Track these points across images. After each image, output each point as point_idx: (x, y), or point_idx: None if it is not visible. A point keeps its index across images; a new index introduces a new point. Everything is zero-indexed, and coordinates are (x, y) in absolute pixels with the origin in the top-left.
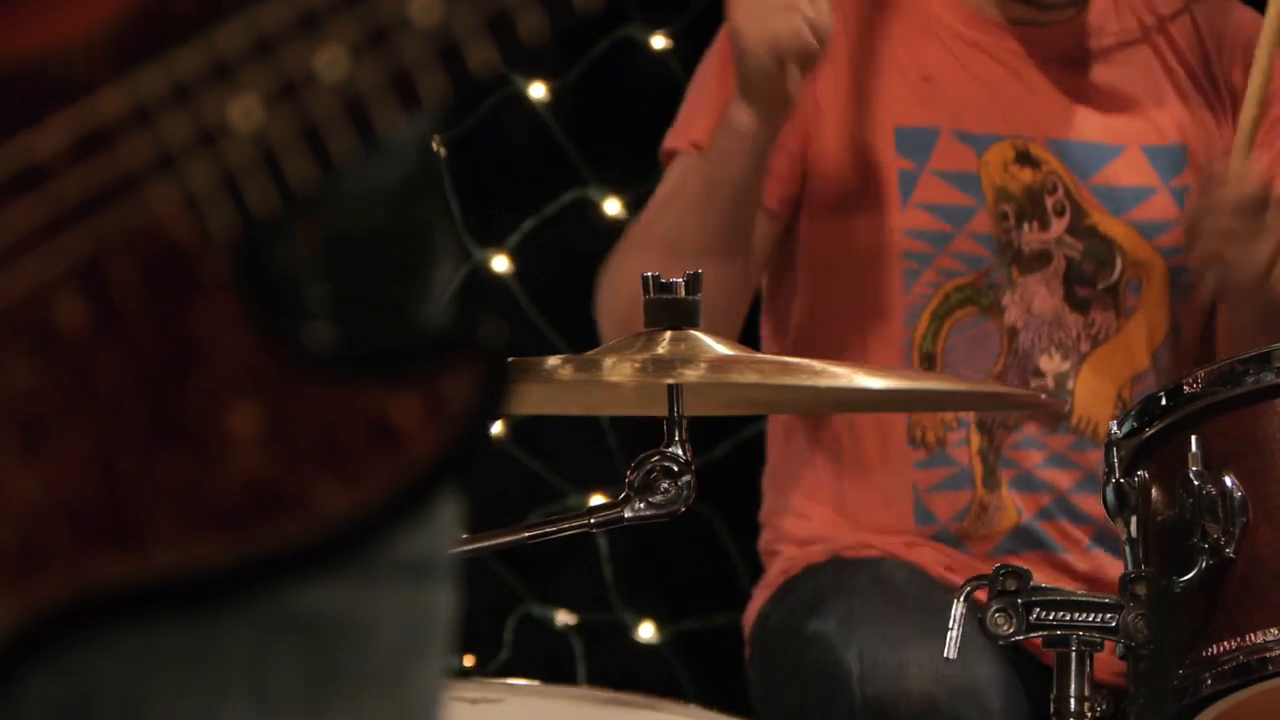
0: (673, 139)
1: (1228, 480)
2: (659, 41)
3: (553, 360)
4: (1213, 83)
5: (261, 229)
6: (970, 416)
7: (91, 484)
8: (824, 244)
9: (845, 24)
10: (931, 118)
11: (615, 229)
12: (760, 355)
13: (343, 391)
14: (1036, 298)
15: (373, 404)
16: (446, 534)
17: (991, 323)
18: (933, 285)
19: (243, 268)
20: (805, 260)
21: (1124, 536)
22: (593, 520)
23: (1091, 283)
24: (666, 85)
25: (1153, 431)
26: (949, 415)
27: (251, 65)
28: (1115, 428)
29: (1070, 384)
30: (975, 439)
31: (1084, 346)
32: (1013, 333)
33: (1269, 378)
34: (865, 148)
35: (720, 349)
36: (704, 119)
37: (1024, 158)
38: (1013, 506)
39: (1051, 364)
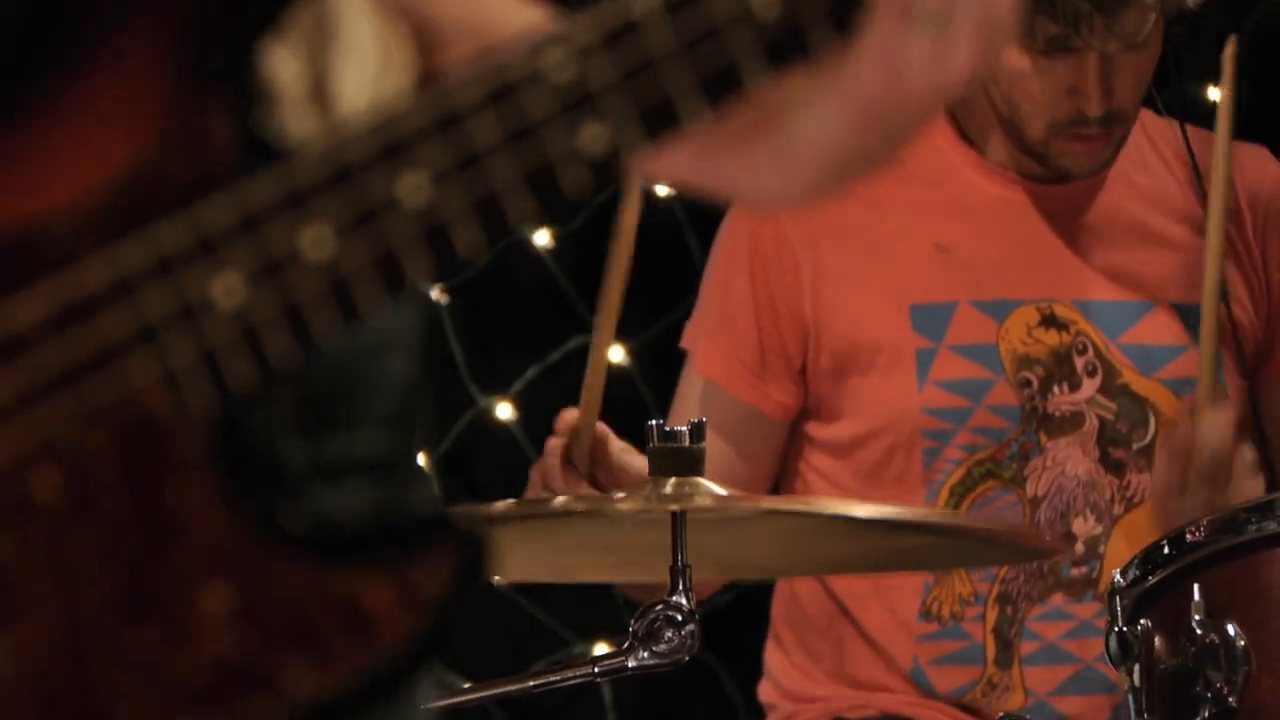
0: (692, 336)
1: (1230, 629)
2: (663, 188)
3: (560, 499)
4: (1241, 235)
5: (239, 404)
6: (989, 590)
7: (60, 658)
8: (839, 430)
9: (854, 197)
10: (948, 290)
11: (619, 376)
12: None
13: (316, 574)
14: (1070, 460)
15: (346, 588)
16: (418, 714)
17: (1013, 495)
18: (953, 462)
19: (219, 445)
20: (819, 446)
21: (1127, 685)
22: (597, 669)
23: (1126, 443)
24: (672, 233)
25: (1155, 580)
26: (966, 589)
27: (236, 242)
28: (1118, 576)
29: (1102, 548)
30: (992, 615)
31: (1117, 509)
32: (1035, 503)
33: (1271, 526)
34: (880, 328)
35: (724, 492)
36: (724, 331)
37: (1049, 320)
38: (1021, 686)
39: (1085, 526)
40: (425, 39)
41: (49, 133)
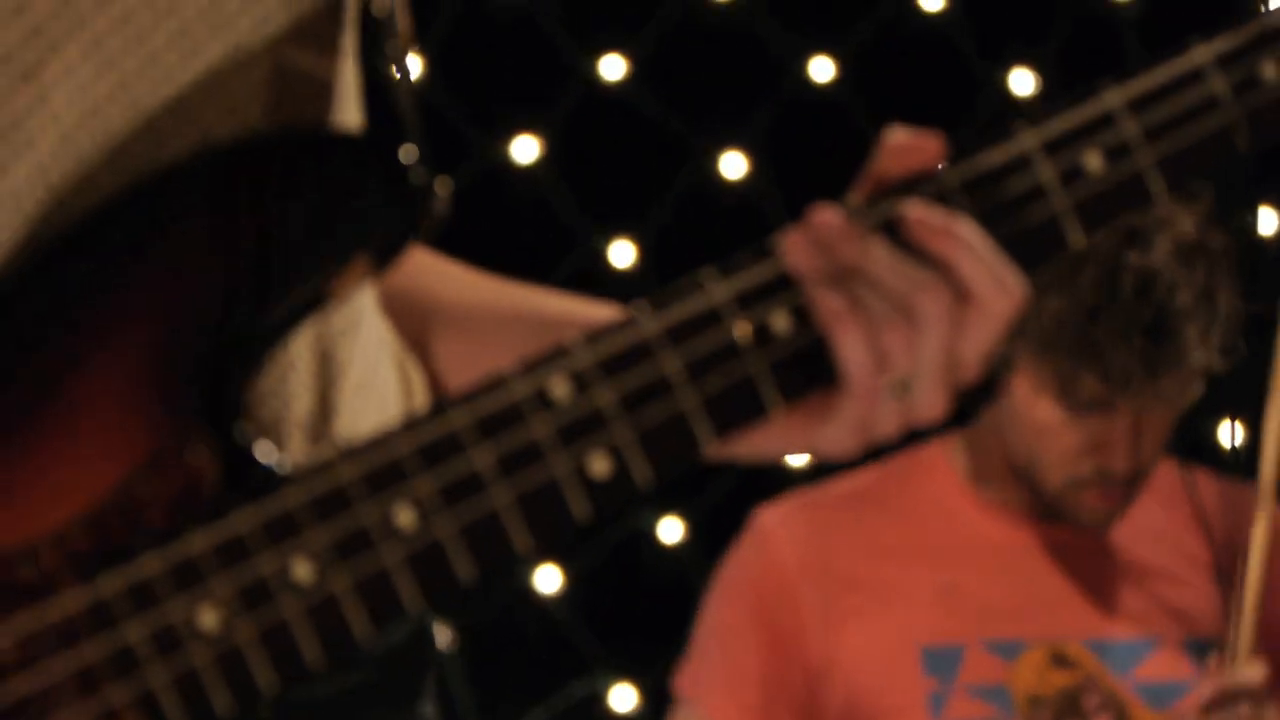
0: (692, 681)
1: None
2: (670, 533)
3: None
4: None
5: None
6: None
7: None
8: None
9: (859, 542)
10: (958, 631)
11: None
12: None
13: None
14: None
15: None
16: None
17: None
18: None
19: None
20: None
21: None
22: None
23: None
24: (677, 577)
25: None
26: None
27: (221, 570)
28: None
29: None
30: None
31: None
32: None
33: None
34: (891, 672)
35: None
36: (729, 676)
37: (1060, 660)
38: None
39: None
40: (426, 324)
41: (29, 456)
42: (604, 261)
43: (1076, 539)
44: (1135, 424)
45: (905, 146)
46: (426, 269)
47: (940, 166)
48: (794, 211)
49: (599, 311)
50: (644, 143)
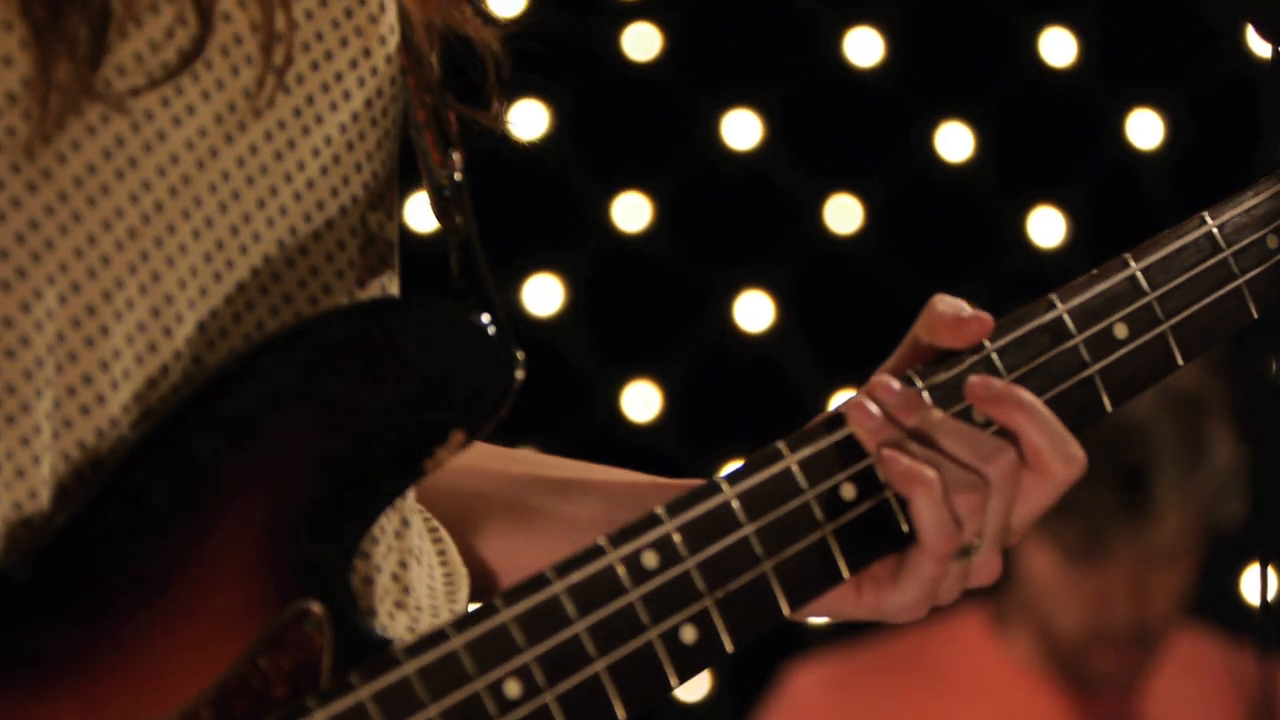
0: None
1: None
2: (695, 689)
3: None
4: None
5: None
6: None
7: None
8: None
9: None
10: None
11: None
12: None
13: None
14: None
15: None
16: None
17: None
18: None
19: None
20: None
21: None
22: None
23: None
24: None
25: None
26: None
27: None
28: None
29: None
30: None
31: None
32: None
33: None
34: None
35: None
36: None
37: None
38: None
39: None
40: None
41: (152, 639)
42: (622, 413)
43: (1105, 707)
44: (1134, 576)
45: (955, 320)
46: (476, 463)
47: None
48: (817, 359)
49: (627, 476)
50: (664, 289)
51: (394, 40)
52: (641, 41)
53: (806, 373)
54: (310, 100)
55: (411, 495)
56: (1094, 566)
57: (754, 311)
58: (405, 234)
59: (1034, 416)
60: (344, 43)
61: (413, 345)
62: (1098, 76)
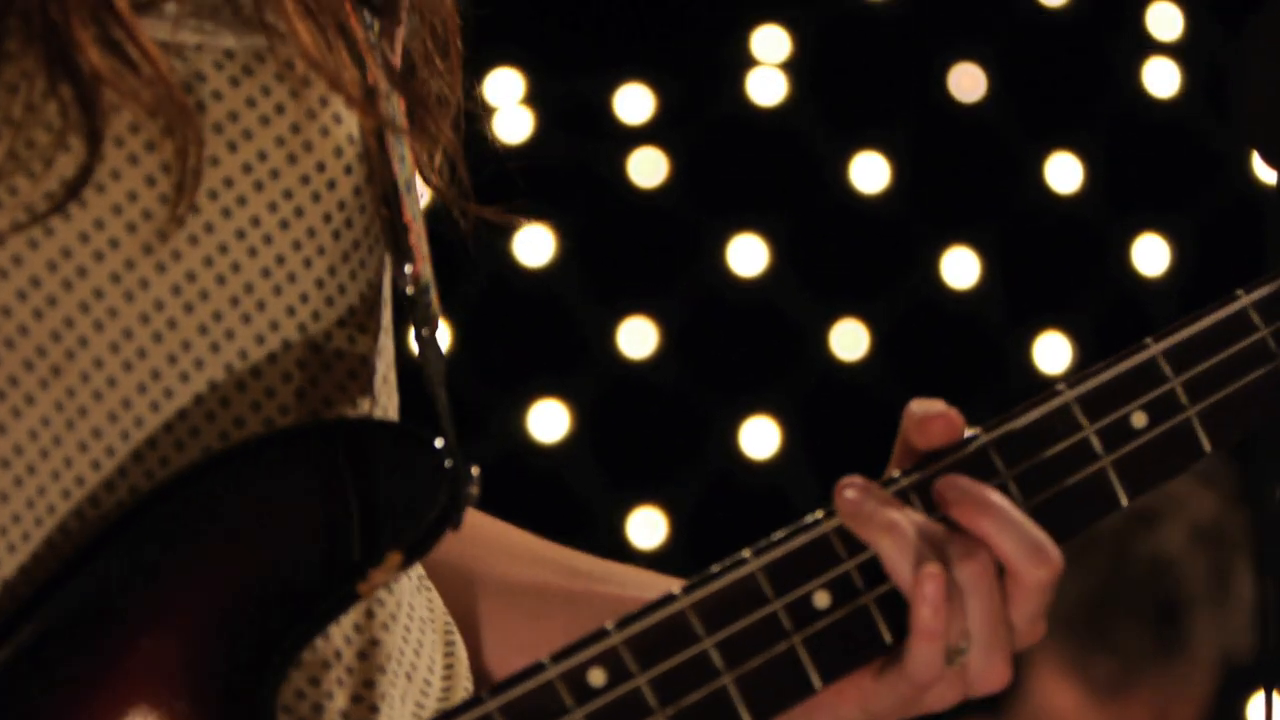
0: None
1: None
2: None
3: None
4: None
5: None
6: None
7: None
8: None
9: None
10: None
11: None
12: None
13: None
14: None
15: None
16: None
17: None
18: None
19: None
20: None
21: None
22: None
23: None
24: None
25: None
26: None
27: None
28: None
29: None
30: None
31: None
32: None
33: None
34: None
35: None
36: None
37: None
38: None
39: None
40: (472, 593)
41: None
42: (627, 539)
43: None
44: (1159, 712)
45: (926, 418)
46: (470, 536)
47: (976, 434)
48: (823, 486)
49: (647, 577)
50: (669, 416)
51: (353, 151)
52: (647, 166)
53: (813, 500)
54: (256, 221)
55: (410, 609)
56: (1121, 702)
57: (760, 438)
58: None
59: (997, 519)
60: (291, 159)
61: (346, 467)
62: (1104, 202)
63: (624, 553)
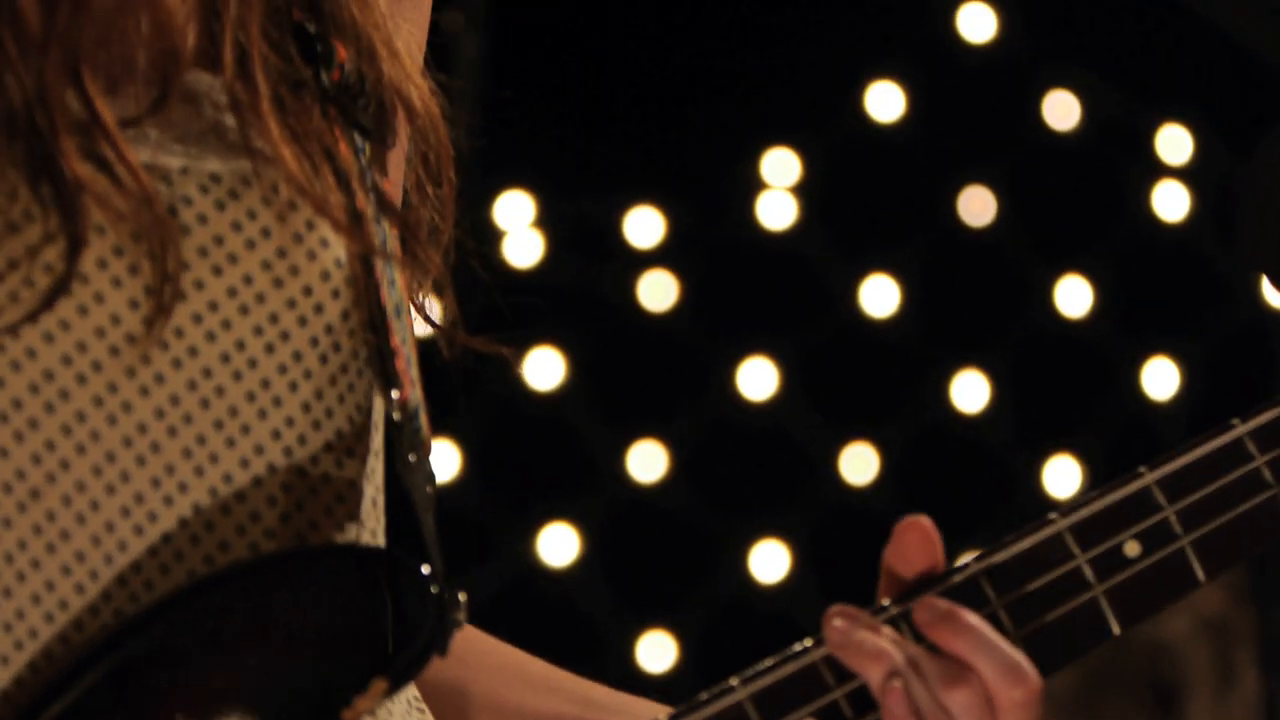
0: None
1: None
2: None
3: None
4: None
5: None
6: None
7: None
8: None
9: None
10: None
11: None
12: None
13: None
14: None
15: None
16: None
17: None
18: None
19: None
20: None
21: None
22: None
23: None
24: None
25: None
26: None
27: None
28: None
29: None
30: None
31: None
32: None
33: None
34: None
35: None
36: None
37: None
38: None
39: None
40: (464, 712)
41: None
42: (637, 665)
43: None
44: None
45: (899, 533)
46: (487, 664)
47: (966, 563)
48: None
49: (642, 706)
50: (679, 540)
51: (340, 275)
52: (657, 290)
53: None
54: (241, 345)
55: None
56: None
57: (770, 562)
58: None
59: (972, 640)
60: (278, 283)
61: (331, 594)
62: (1114, 325)
63: (634, 677)
